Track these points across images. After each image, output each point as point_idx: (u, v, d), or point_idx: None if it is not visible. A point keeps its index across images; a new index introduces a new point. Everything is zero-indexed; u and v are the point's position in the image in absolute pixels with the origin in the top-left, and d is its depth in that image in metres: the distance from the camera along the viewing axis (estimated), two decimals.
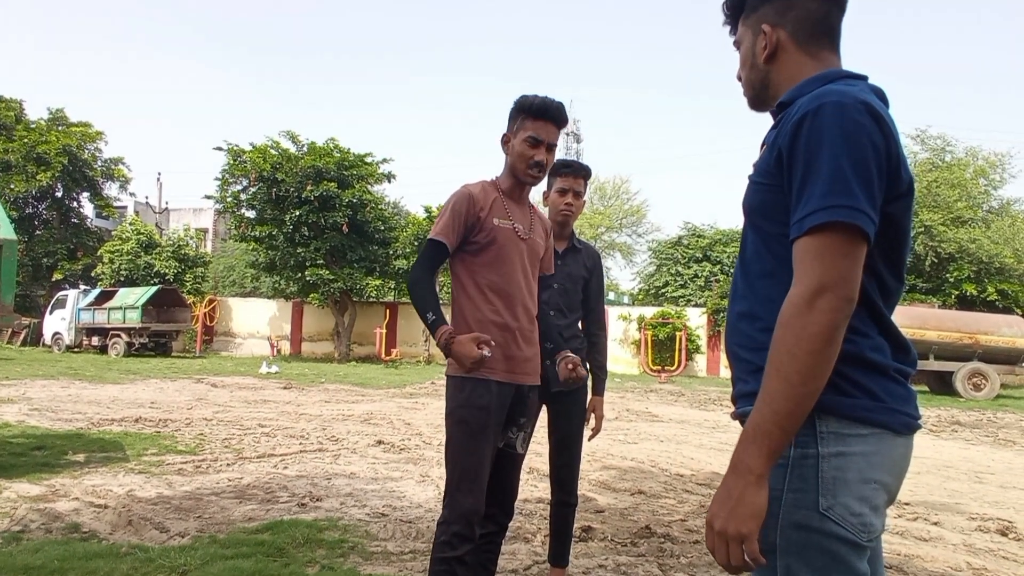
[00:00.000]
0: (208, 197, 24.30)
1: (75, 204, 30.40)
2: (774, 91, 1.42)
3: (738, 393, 1.35)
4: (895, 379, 1.25)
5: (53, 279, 28.40)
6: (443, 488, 2.49)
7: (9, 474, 5.20)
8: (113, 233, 28.64)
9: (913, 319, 16.11)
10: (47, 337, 24.25)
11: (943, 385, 16.75)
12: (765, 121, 1.42)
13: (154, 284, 24.15)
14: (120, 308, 21.99)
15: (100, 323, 22.50)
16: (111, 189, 31.44)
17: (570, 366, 2.55)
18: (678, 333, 22.48)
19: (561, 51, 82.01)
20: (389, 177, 23.85)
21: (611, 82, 77.95)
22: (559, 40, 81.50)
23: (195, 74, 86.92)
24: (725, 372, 21.66)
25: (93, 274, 27.06)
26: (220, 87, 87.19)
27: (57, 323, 23.77)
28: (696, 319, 23.32)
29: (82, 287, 25.87)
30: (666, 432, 9.08)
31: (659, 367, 22.17)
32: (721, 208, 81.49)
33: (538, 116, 2.51)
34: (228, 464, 5.95)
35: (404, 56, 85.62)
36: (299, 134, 23.09)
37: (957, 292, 21.83)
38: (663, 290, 26.28)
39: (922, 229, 21.61)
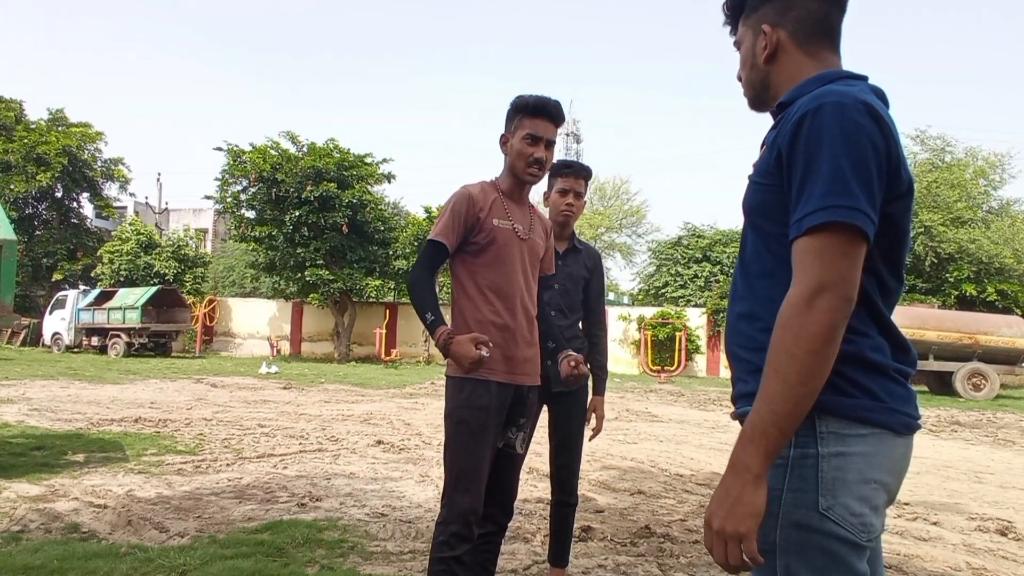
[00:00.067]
0: (208, 197, 24.32)
1: (75, 204, 30.41)
2: (774, 91, 1.42)
3: (738, 393, 1.35)
4: (895, 379, 1.25)
5: (53, 279, 28.40)
6: (442, 488, 2.49)
7: (9, 474, 5.20)
8: (113, 233, 28.65)
9: (913, 319, 16.11)
10: (47, 337, 24.24)
11: (943, 385, 16.75)
12: (765, 121, 1.42)
13: (154, 284, 24.16)
14: (120, 308, 21.99)
15: (100, 323, 22.50)
16: (111, 189, 31.50)
17: (572, 363, 2.55)
18: (678, 333, 22.48)
19: (561, 51, 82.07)
20: (389, 177, 23.85)
21: (611, 82, 78.02)
22: (559, 40, 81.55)
23: (195, 74, 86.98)
24: (725, 372, 21.66)
25: (93, 274, 27.06)
26: (220, 87, 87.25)
27: (57, 323, 23.76)
28: (696, 319, 23.32)
29: (82, 287, 25.86)
30: (666, 432, 9.08)
31: (659, 367, 22.17)
32: (721, 208, 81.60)
33: (535, 114, 2.51)
34: (228, 464, 5.95)
35: (404, 56, 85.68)
36: (299, 134, 23.13)
37: (957, 292, 21.83)
38: (663, 290, 26.28)
39: (922, 229, 21.62)
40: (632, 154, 75.63)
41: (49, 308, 24.40)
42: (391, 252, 23.38)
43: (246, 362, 20.96)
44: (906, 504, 5.28)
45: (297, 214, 21.73)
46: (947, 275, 22.09)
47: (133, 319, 21.70)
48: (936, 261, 21.94)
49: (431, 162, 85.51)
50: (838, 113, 1.19)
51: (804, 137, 1.20)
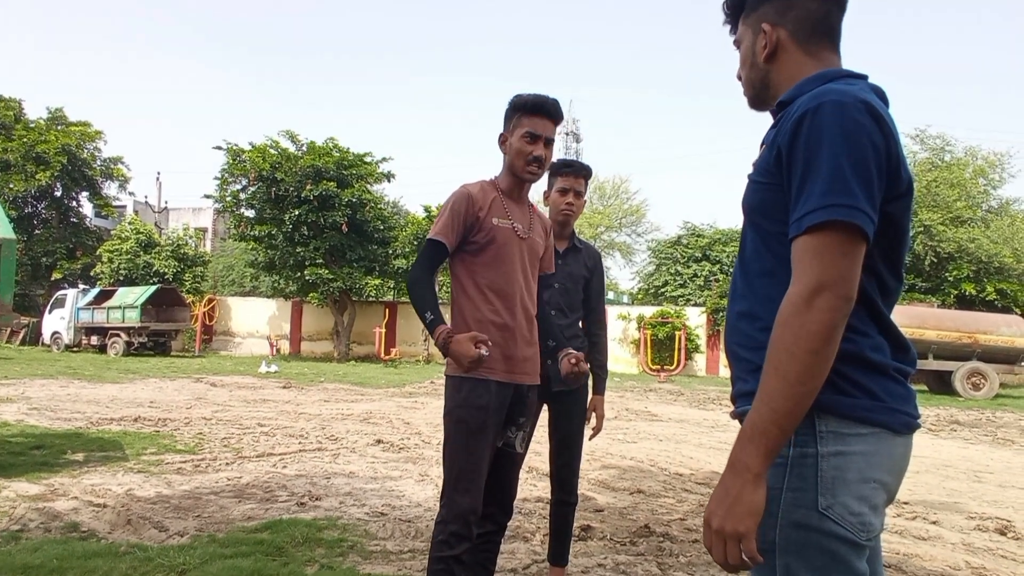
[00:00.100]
0: (207, 196, 24.30)
1: (74, 203, 30.38)
2: (774, 90, 1.42)
3: (737, 392, 1.35)
4: (895, 378, 1.25)
5: (52, 278, 28.39)
6: (441, 487, 2.49)
7: (8, 473, 5.19)
8: (112, 232, 28.63)
9: (912, 318, 16.12)
10: (46, 336, 24.22)
11: (942, 384, 16.76)
12: (765, 120, 1.42)
13: (153, 283, 24.15)
14: (119, 307, 21.98)
15: (99, 322, 22.49)
16: (110, 188, 31.47)
17: (573, 360, 2.54)
18: (677, 332, 22.49)
19: (561, 51, 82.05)
20: (388, 177, 23.85)
21: (611, 82, 78.02)
22: (559, 40, 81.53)
23: (195, 74, 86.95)
24: (724, 371, 21.67)
25: (92, 273, 27.05)
26: (220, 87, 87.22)
27: (56, 322, 23.75)
28: (695, 318, 23.32)
29: (81, 286, 25.87)
30: (665, 431, 9.08)
31: (658, 366, 22.17)
32: (720, 208, 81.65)
33: (534, 112, 2.51)
34: (227, 463, 5.95)
35: (404, 56, 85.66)
36: (298, 134, 23.11)
37: (956, 291, 21.84)
38: (662, 289, 26.28)
39: (921, 229, 21.62)
40: (632, 153, 75.70)
41: (48, 307, 24.39)
42: (391, 251, 23.38)
43: (245, 361, 20.96)
44: (905, 503, 5.28)
45: (296, 213, 21.72)
46: (946, 274, 22.10)
47: (132, 318, 21.69)
48: (936, 260, 21.95)
49: (431, 162, 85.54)
50: (838, 112, 1.18)
51: (804, 136, 1.20)
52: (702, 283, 25.30)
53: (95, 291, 23.69)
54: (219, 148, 22.60)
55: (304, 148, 22.96)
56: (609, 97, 77.42)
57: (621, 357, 22.97)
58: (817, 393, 1.16)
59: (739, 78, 1.50)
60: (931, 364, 16.33)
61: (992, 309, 20.62)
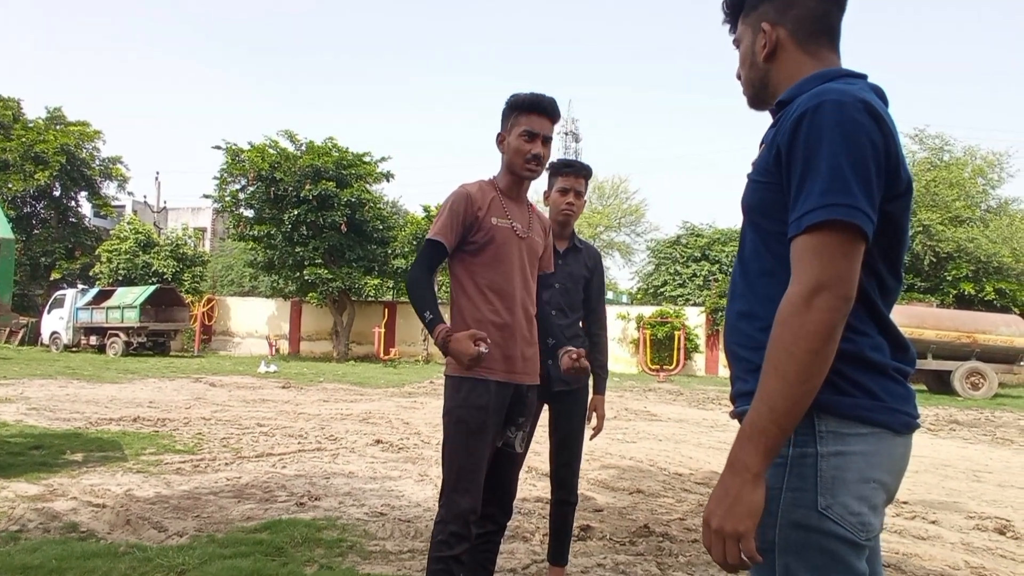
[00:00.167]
0: (206, 196, 24.28)
1: (73, 203, 30.35)
2: (773, 90, 1.42)
3: (737, 392, 1.35)
4: (894, 378, 1.25)
5: (51, 278, 28.36)
6: (441, 487, 2.48)
7: (7, 473, 5.19)
8: (111, 232, 28.61)
9: (911, 318, 16.12)
10: (45, 336, 24.19)
11: (941, 384, 16.77)
12: (764, 120, 1.42)
13: (152, 283, 24.13)
14: (118, 307, 21.96)
15: (98, 322, 22.47)
16: (109, 188, 31.44)
17: (574, 356, 2.53)
18: (676, 332, 22.49)
19: (561, 51, 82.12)
20: (388, 176, 23.84)
21: (611, 82, 78.14)
22: (559, 40, 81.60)
23: (195, 74, 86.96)
24: (724, 371, 21.68)
25: (91, 273, 27.03)
26: (220, 87, 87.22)
27: (55, 322, 23.73)
28: (695, 318, 23.33)
29: (80, 286, 25.84)
30: (665, 431, 9.09)
31: (658, 366, 22.18)
32: (720, 207, 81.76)
33: (531, 110, 2.51)
34: (226, 463, 5.95)
35: (404, 56, 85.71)
36: (297, 133, 23.10)
37: (955, 291, 21.84)
38: (662, 289, 26.29)
39: (920, 228, 21.63)
40: (631, 153, 75.81)
41: (47, 307, 24.37)
42: (390, 251, 23.37)
43: (245, 361, 20.94)
44: (905, 503, 5.28)
45: (296, 213, 21.71)
46: (946, 274, 22.11)
47: (131, 318, 21.67)
48: (935, 260, 21.96)
49: (430, 162, 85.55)
50: (837, 111, 1.18)
51: (803, 135, 1.20)
52: (701, 283, 25.30)
53: (94, 291, 23.67)
54: (218, 148, 22.61)
55: (303, 148, 22.95)
56: (608, 97, 77.57)
57: (620, 357, 22.96)
58: (816, 393, 1.16)
59: (738, 77, 1.50)
60: (930, 364, 16.34)
61: (991, 309, 20.62)
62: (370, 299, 25.14)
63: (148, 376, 14.64)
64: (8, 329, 24.78)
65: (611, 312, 22.69)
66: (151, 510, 4.36)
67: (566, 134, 45.67)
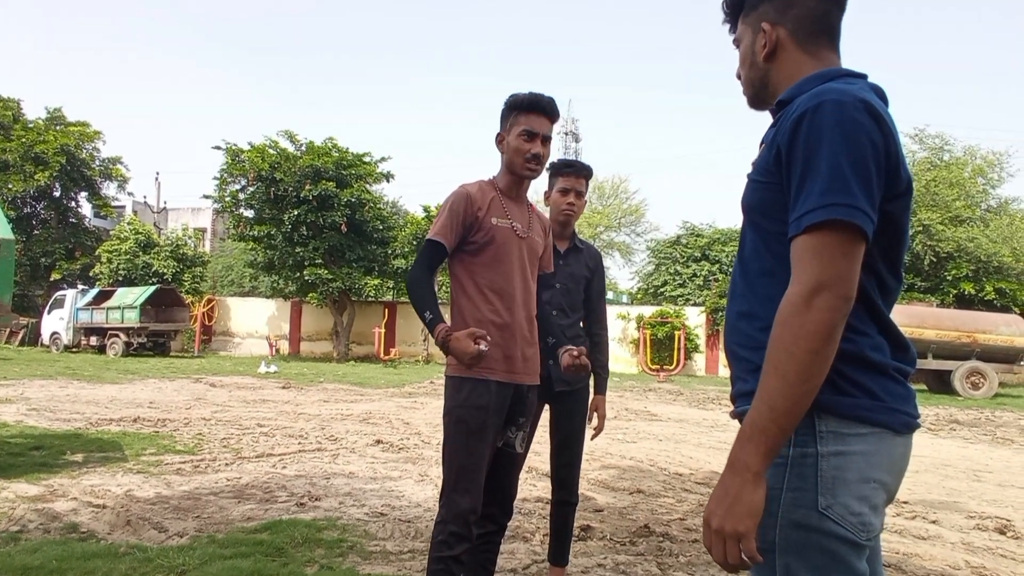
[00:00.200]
0: (206, 197, 24.28)
1: (73, 204, 30.36)
2: (773, 89, 1.42)
3: (737, 392, 1.35)
4: (894, 378, 1.25)
5: (51, 279, 28.36)
6: (441, 488, 2.48)
7: (7, 474, 5.19)
8: (111, 233, 28.61)
9: (911, 318, 16.12)
10: (45, 337, 24.20)
11: (941, 384, 16.76)
12: (764, 120, 1.42)
13: (152, 284, 24.13)
14: (118, 308, 21.96)
15: (98, 323, 22.47)
16: (109, 189, 31.44)
17: (575, 353, 2.53)
18: (677, 332, 22.50)
19: (561, 51, 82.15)
20: (388, 177, 23.84)
21: (611, 82, 78.16)
22: (559, 40, 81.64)
23: (195, 74, 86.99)
24: (724, 371, 21.67)
25: (91, 274, 27.03)
26: (220, 87, 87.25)
27: (55, 323, 23.73)
28: (695, 318, 23.33)
29: (80, 287, 25.85)
30: (665, 431, 9.09)
31: (658, 366, 22.17)
32: (720, 207, 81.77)
33: (530, 110, 2.51)
34: (227, 464, 5.95)
35: (404, 56, 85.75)
36: (297, 134, 23.10)
37: (955, 291, 21.84)
38: (662, 289, 26.29)
39: (920, 228, 21.62)
40: (631, 153, 75.84)
41: (47, 308, 24.37)
42: (390, 251, 23.37)
43: (245, 361, 20.95)
44: (905, 503, 5.28)
45: (296, 213, 21.71)
46: (946, 274, 22.11)
47: (132, 319, 21.67)
48: (935, 260, 21.96)
49: (430, 162, 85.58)
50: (837, 111, 1.18)
51: (803, 135, 1.20)
52: (701, 283, 25.31)
53: (94, 291, 23.67)
54: (218, 148, 22.62)
55: (303, 148, 22.95)
56: (608, 97, 77.57)
57: (620, 357, 22.96)
58: (816, 393, 1.16)
59: (738, 77, 1.50)
60: (930, 363, 16.34)
61: (991, 308, 20.62)
62: (370, 299, 25.15)
63: (148, 376, 14.64)
64: (8, 330, 24.79)
65: (611, 312, 22.69)
66: (151, 511, 4.36)
67: (566, 134, 45.67)
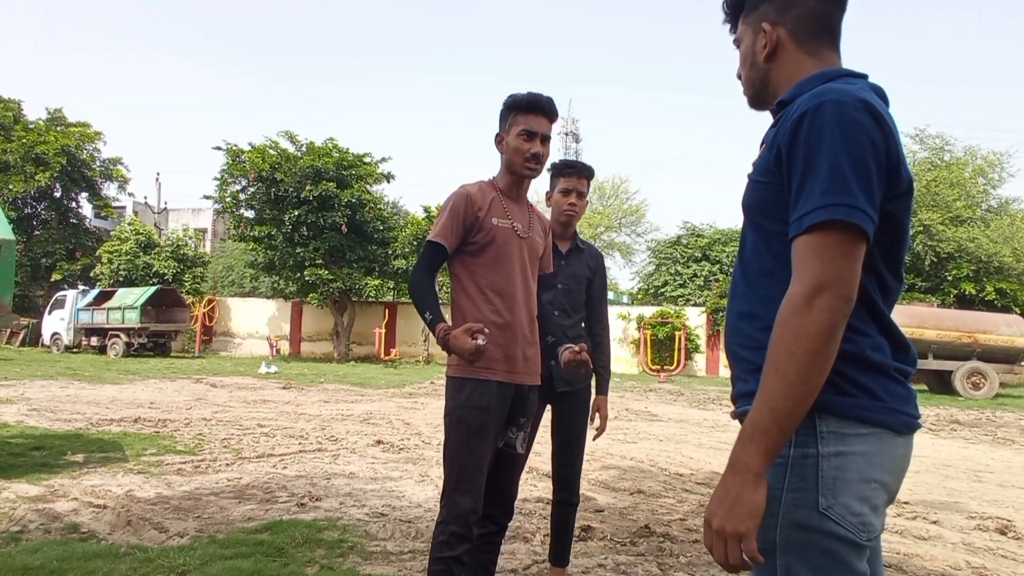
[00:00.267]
0: (207, 197, 24.31)
1: (74, 204, 30.37)
2: (774, 89, 1.41)
3: (738, 392, 1.35)
4: (895, 378, 1.25)
5: (52, 279, 28.37)
6: (442, 488, 2.48)
7: (8, 474, 5.19)
8: (112, 233, 28.62)
9: (912, 318, 16.11)
10: (46, 337, 24.21)
11: (942, 384, 16.76)
12: (764, 120, 1.42)
13: (153, 284, 24.13)
14: (119, 308, 21.97)
15: (99, 323, 22.48)
16: (110, 189, 31.47)
17: (576, 349, 2.52)
18: (677, 332, 22.49)
19: (561, 51, 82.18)
20: (388, 177, 23.85)
21: (611, 82, 78.16)
22: (559, 40, 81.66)
23: (195, 74, 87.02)
24: (724, 371, 21.67)
25: (92, 274, 27.04)
26: (220, 87, 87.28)
27: (56, 323, 23.74)
28: (695, 318, 23.33)
29: (81, 287, 25.84)
30: (665, 431, 9.09)
31: (658, 366, 22.17)
32: (720, 207, 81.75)
33: (529, 110, 2.51)
34: (227, 464, 5.95)
35: (404, 56, 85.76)
36: (298, 134, 23.12)
37: (956, 291, 21.84)
38: (662, 289, 26.29)
39: (921, 228, 21.62)
40: (631, 153, 75.85)
41: (48, 308, 24.38)
42: (390, 252, 23.37)
43: (245, 362, 20.95)
44: (906, 503, 5.28)
45: (296, 214, 21.72)
46: (946, 274, 22.10)
47: (132, 319, 21.68)
48: (935, 260, 21.95)
49: (431, 162, 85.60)
50: (838, 111, 1.18)
51: (804, 135, 1.20)
52: (702, 283, 25.31)
53: (95, 292, 23.68)
54: (219, 149, 22.63)
55: (304, 148, 22.97)
56: (609, 97, 77.59)
57: (621, 357, 22.96)
58: (817, 393, 1.16)
59: (739, 77, 1.50)
60: (931, 364, 16.33)
61: (992, 309, 20.62)
62: (371, 300, 25.15)
63: (149, 377, 14.64)
64: (9, 330, 24.81)
65: (612, 312, 22.66)
66: (152, 511, 4.36)
67: (566, 134, 45.65)
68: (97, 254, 27.22)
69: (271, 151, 22.42)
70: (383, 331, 23.61)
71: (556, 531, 3.25)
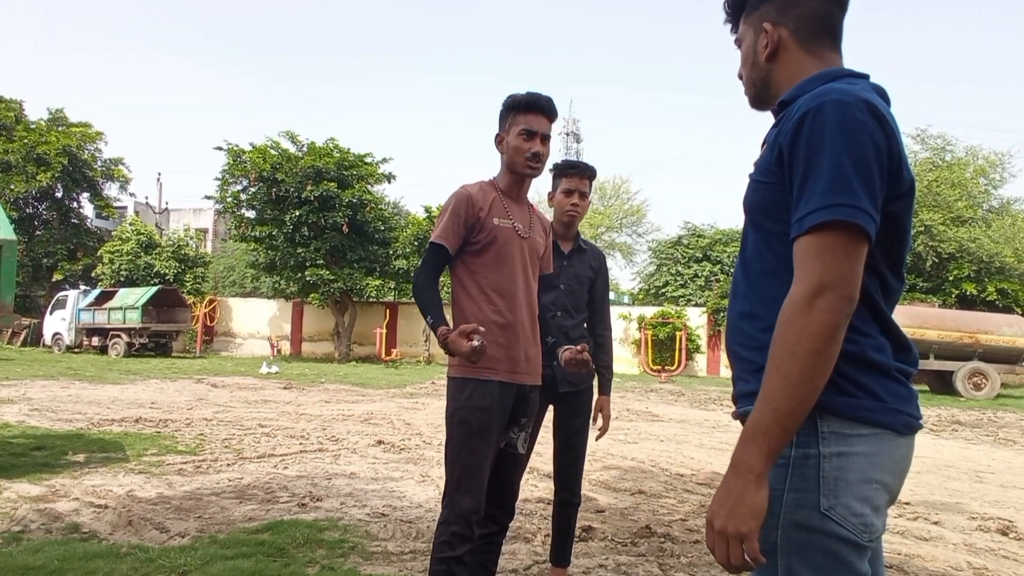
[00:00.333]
0: (208, 197, 24.32)
1: (75, 204, 30.42)
2: (775, 90, 1.41)
3: (739, 393, 1.35)
4: (897, 379, 1.25)
5: (53, 279, 28.40)
6: (443, 488, 2.48)
7: (9, 474, 5.19)
8: (113, 233, 28.65)
9: (913, 318, 16.10)
10: (47, 337, 24.23)
11: (943, 384, 16.74)
12: (765, 120, 1.42)
13: (154, 284, 24.15)
14: (120, 308, 21.99)
15: (100, 323, 22.50)
16: (111, 189, 31.52)
17: (578, 348, 2.52)
18: (678, 333, 22.49)
19: (561, 51, 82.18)
20: (389, 177, 23.85)
21: (611, 82, 78.15)
22: (559, 40, 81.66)
23: (195, 74, 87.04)
24: (725, 372, 21.66)
25: (93, 274, 27.07)
26: (220, 87, 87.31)
27: (57, 323, 23.76)
28: (696, 319, 23.32)
29: (82, 287, 25.84)
30: (666, 432, 9.08)
31: (659, 367, 22.16)
32: (721, 208, 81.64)
33: (528, 109, 2.52)
34: (228, 464, 5.95)
35: (404, 56, 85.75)
36: (299, 134, 23.14)
37: (957, 291, 21.82)
38: (663, 290, 26.29)
39: (922, 228, 21.61)
40: (632, 154, 75.77)
41: (49, 308, 24.40)
42: (391, 252, 23.37)
43: (246, 362, 20.96)
44: (907, 504, 5.27)
45: (297, 214, 21.73)
46: (948, 274, 22.09)
47: (133, 319, 21.70)
48: (937, 260, 21.94)
49: (431, 162, 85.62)
50: (839, 111, 1.18)
51: (805, 135, 1.20)
52: (703, 283, 25.30)
53: (96, 292, 23.70)
54: (220, 149, 22.65)
55: (304, 149, 22.98)
56: (609, 97, 77.61)
57: (622, 357, 22.95)
58: (819, 393, 1.16)
59: (740, 77, 1.50)
60: (932, 364, 16.32)
61: (993, 309, 20.60)
62: (371, 300, 25.16)
63: (150, 377, 14.65)
64: (10, 330, 24.82)
65: (613, 313, 22.63)
66: (153, 511, 4.36)
67: (567, 135, 45.64)
68: (98, 254, 27.25)
69: (272, 151, 22.43)
70: (384, 331, 23.61)
71: (557, 531, 3.25)
